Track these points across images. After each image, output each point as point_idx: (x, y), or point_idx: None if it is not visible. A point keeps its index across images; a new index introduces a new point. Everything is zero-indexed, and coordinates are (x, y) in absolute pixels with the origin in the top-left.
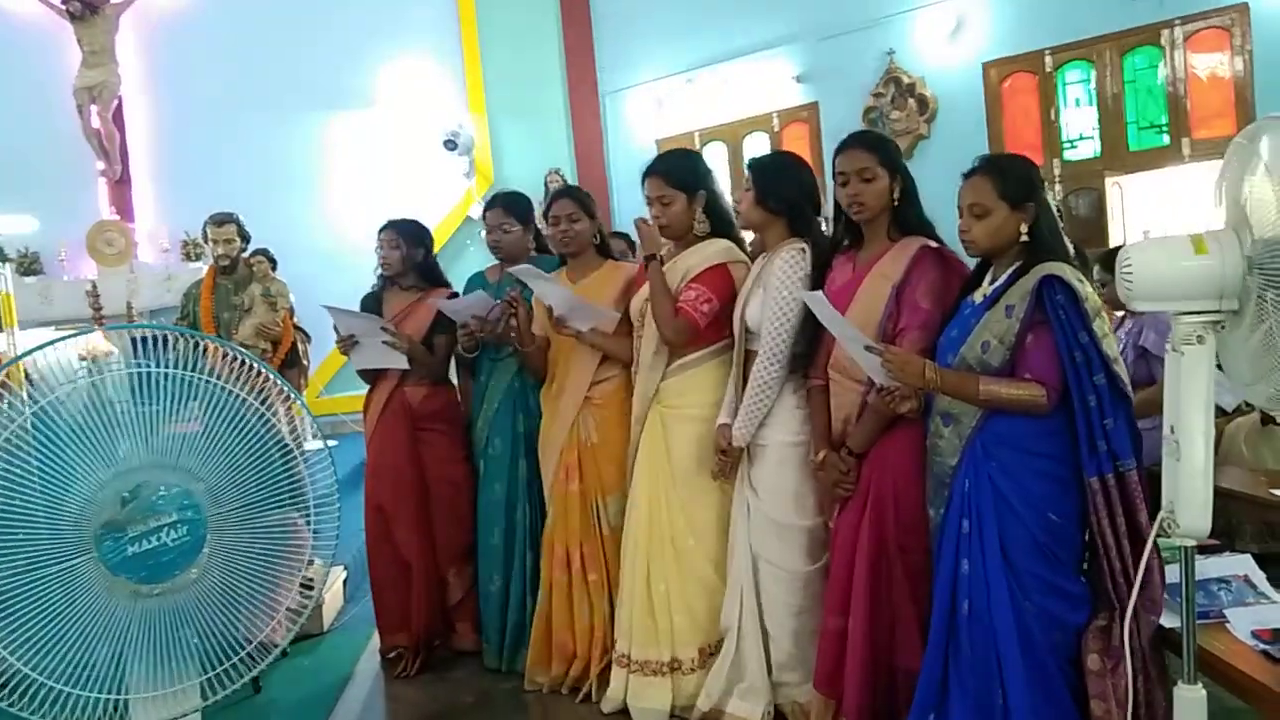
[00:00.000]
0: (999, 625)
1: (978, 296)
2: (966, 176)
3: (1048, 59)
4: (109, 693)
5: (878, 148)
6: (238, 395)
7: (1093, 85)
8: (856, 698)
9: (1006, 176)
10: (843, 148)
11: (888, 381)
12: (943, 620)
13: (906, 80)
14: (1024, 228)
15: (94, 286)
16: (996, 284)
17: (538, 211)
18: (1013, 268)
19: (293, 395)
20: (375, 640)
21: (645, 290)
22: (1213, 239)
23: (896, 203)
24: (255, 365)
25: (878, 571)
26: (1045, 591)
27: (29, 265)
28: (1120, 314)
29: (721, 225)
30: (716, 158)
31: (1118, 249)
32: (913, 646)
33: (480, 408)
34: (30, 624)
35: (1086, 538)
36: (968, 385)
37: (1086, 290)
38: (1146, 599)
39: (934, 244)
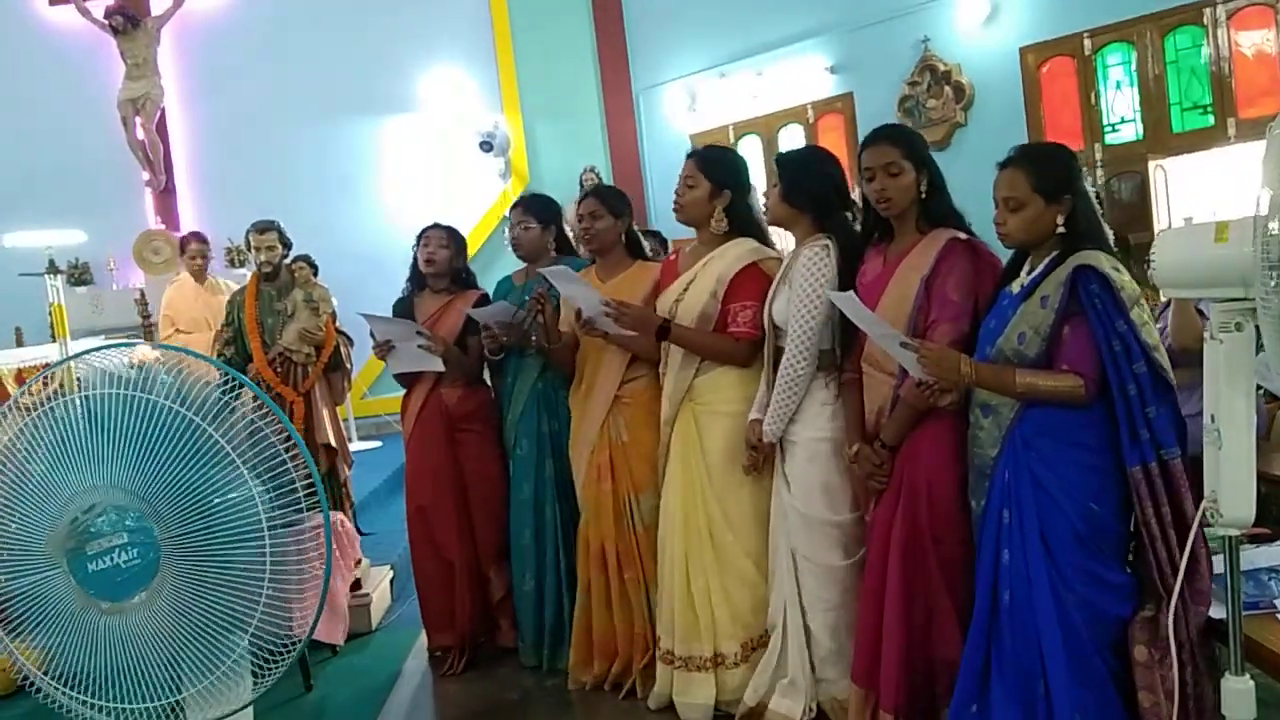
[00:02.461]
0: (1040, 615)
1: (1015, 287)
2: (1001, 168)
3: (1087, 42)
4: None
5: (903, 142)
6: (185, 417)
7: (1134, 67)
8: (894, 690)
9: (1041, 169)
10: (868, 143)
11: (925, 376)
12: (984, 611)
13: (942, 68)
14: (1060, 220)
15: (142, 295)
16: (1033, 275)
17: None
18: (1049, 258)
19: (279, 416)
20: (423, 638)
21: (671, 290)
22: (1237, 226)
23: (925, 195)
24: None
25: (912, 564)
26: (1087, 582)
27: (79, 276)
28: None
29: (744, 228)
30: (751, 151)
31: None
32: (950, 638)
33: (508, 410)
34: (34, 634)
35: (1130, 529)
36: (1004, 378)
37: (1123, 279)
38: (1194, 590)
39: (963, 235)
